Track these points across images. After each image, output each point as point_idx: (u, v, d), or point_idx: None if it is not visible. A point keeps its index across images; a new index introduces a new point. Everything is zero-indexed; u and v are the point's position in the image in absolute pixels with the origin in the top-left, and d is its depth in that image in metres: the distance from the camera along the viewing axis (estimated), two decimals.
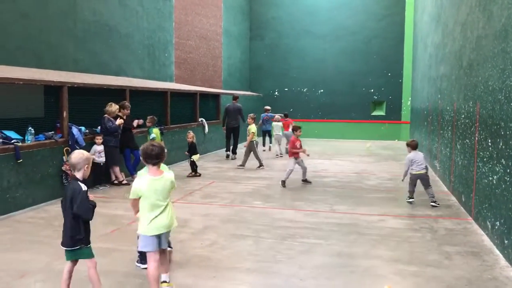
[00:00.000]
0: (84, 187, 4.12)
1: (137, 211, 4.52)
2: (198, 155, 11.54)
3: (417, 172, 8.53)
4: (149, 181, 4.32)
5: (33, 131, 8.13)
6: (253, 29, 23.82)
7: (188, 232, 6.61)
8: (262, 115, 17.33)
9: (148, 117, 11.24)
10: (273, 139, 16.93)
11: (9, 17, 8.60)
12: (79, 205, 4.06)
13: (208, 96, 16.88)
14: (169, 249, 5.00)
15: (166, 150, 4.60)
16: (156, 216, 4.34)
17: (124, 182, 10.11)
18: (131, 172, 10.45)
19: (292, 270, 5.14)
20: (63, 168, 8.61)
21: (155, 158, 4.31)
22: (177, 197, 8.96)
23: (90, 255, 4.28)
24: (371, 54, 22.11)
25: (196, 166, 11.45)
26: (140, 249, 4.63)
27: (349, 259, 5.54)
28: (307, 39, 22.89)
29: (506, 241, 5.50)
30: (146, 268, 4.58)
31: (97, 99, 9.87)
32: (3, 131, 7.68)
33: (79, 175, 4.21)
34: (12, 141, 7.63)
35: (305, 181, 10.63)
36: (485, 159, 6.63)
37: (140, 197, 4.35)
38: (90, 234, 4.28)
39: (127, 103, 10.31)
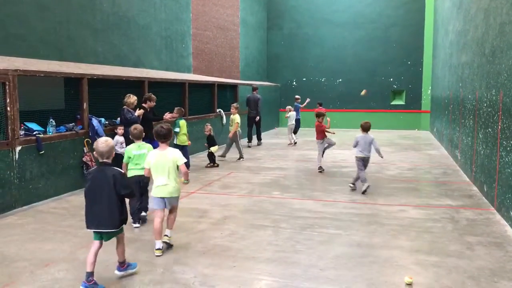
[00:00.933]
0: (120, 170, 4.69)
1: (147, 178, 5.88)
2: (217, 146, 11.58)
3: (360, 156, 8.65)
4: (156, 155, 5.48)
5: (54, 123, 8.25)
6: (270, 18, 23.66)
7: (207, 222, 6.66)
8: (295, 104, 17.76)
9: (176, 108, 11.13)
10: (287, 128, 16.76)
11: (29, 10, 8.71)
12: (126, 186, 4.54)
13: (226, 87, 16.88)
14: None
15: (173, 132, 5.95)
16: (160, 183, 5.41)
17: None
18: None
19: (311, 260, 5.13)
20: (84, 159, 8.73)
21: (163, 137, 5.48)
22: (196, 187, 9.02)
23: (122, 230, 4.72)
24: (391, 42, 21.80)
25: (214, 157, 11.49)
26: (149, 207, 6.30)
27: (369, 249, 5.51)
28: (326, 27, 22.66)
29: None
30: (138, 227, 6.41)
31: (116, 91, 9.94)
32: (25, 123, 7.80)
33: (109, 160, 4.57)
34: (34, 133, 7.76)
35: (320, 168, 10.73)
36: (508, 148, 6.50)
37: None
38: None
39: (153, 96, 10.23)
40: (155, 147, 9.04)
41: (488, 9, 8.30)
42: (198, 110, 14.19)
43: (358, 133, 8.89)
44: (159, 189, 5.45)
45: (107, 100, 9.79)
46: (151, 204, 5.88)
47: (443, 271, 4.81)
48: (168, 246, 5.52)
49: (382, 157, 8.82)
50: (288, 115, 16.53)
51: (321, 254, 5.33)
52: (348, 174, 10.38)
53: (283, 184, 9.38)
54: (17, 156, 7.30)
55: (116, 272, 4.72)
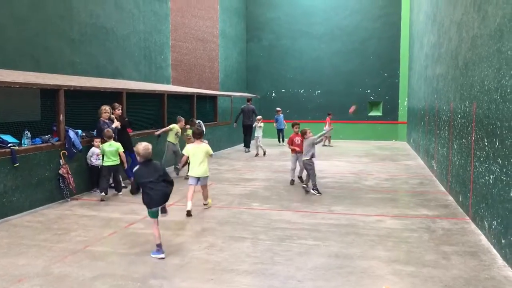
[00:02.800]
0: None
1: (183, 164, 8.63)
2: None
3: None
4: (194, 147, 7.92)
5: (29, 135, 8.11)
6: (249, 30, 23.81)
7: (186, 235, 6.61)
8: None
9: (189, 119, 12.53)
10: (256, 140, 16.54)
11: (6, 20, 8.59)
12: (168, 174, 6.02)
13: (205, 98, 16.89)
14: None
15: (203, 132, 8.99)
16: (195, 166, 7.86)
17: (122, 185, 10.07)
18: (128, 175, 10.39)
19: (290, 272, 5.14)
20: (60, 171, 8.59)
21: (199, 135, 8.04)
22: (175, 199, 8.95)
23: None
24: (368, 54, 22.15)
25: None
26: (188, 183, 8.05)
27: (347, 260, 5.54)
28: (304, 39, 22.92)
29: (503, 241, 5.51)
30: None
31: (94, 102, 9.85)
32: None
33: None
34: (9, 145, 7.62)
35: (300, 178, 10.76)
36: (481, 159, 6.65)
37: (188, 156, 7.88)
38: None
39: (115, 104, 10.20)
40: (133, 157, 9.10)
41: (461, 22, 8.53)
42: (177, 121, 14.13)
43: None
44: (195, 170, 7.86)
45: (84, 111, 9.69)
46: (189, 182, 8.01)
47: (419, 281, 4.87)
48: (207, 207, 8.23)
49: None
50: (260, 125, 16.45)
51: (300, 266, 5.33)
52: (327, 185, 10.45)
53: (262, 195, 9.39)
54: None
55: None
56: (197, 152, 7.85)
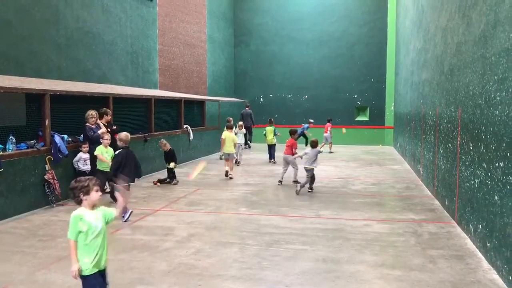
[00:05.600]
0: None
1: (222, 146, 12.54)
2: (174, 163, 11.38)
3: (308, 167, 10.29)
4: (227, 134, 12.40)
5: (14, 140, 8.02)
6: (237, 35, 23.86)
7: (173, 240, 6.57)
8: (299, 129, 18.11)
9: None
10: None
11: None
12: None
13: (193, 103, 16.86)
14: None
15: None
16: (228, 146, 12.40)
17: (108, 190, 9.98)
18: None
19: (277, 277, 5.13)
20: (46, 177, 8.50)
21: (230, 127, 12.92)
22: (162, 205, 8.91)
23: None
24: (354, 60, 22.32)
25: (174, 173, 11.35)
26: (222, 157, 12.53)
27: (334, 264, 5.55)
28: (292, 45, 23.04)
29: (488, 244, 5.57)
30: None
31: (81, 107, 9.77)
32: None
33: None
34: None
35: (295, 181, 11.03)
36: (467, 163, 6.72)
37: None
38: None
39: (108, 110, 10.10)
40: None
41: (446, 28, 8.64)
42: (165, 126, 14.11)
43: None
44: (227, 149, 12.34)
45: (70, 116, 9.61)
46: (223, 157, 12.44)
47: (406, 285, 4.90)
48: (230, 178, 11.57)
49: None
50: (236, 131, 15.93)
51: (287, 270, 5.33)
52: (315, 189, 10.47)
53: (250, 200, 9.38)
54: None
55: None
56: (228, 138, 12.36)
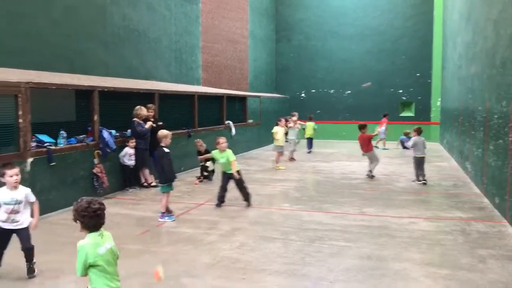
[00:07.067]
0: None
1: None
2: (211, 162, 11.08)
3: (418, 156, 10.63)
4: (279, 129, 13.47)
5: (65, 135, 8.32)
6: (279, 31, 23.81)
7: (217, 234, 6.64)
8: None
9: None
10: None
11: (43, 24, 8.84)
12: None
13: (235, 99, 16.97)
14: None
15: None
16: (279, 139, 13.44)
17: (153, 184, 10.23)
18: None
19: (321, 273, 5.10)
20: (94, 170, 8.78)
21: (277, 124, 14.06)
22: (205, 199, 9.03)
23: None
24: (399, 54, 21.82)
25: (207, 171, 11.16)
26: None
27: (379, 262, 5.46)
28: (334, 40, 22.77)
29: None
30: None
31: (127, 103, 10.03)
32: (37, 135, 7.88)
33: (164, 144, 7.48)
34: (45, 145, 7.83)
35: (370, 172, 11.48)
36: None
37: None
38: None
39: (148, 105, 10.33)
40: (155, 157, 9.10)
41: (498, 20, 8.29)
42: (207, 122, 14.26)
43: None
44: (276, 141, 13.29)
45: (117, 112, 9.87)
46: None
47: (454, 284, 4.76)
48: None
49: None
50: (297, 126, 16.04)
51: (331, 267, 5.29)
52: (358, 186, 10.34)
53: (292, 196, 9.36)
54: (28, 168, 7.36)
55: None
56: (278, 132, 13.42)
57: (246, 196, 8.40)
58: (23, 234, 5.01)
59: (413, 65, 21.60)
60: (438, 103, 21.18)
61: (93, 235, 3.27)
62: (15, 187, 4.83)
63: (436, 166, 13.63)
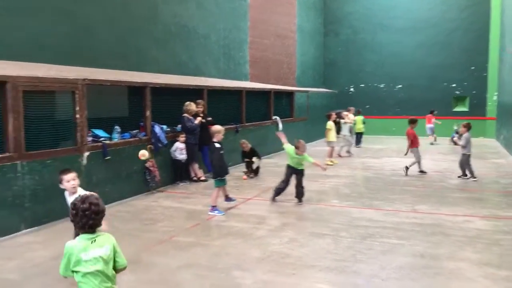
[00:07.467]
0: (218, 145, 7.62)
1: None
2: (256, 157, 11.21)
3: (467, 153, 10.33)
4: (331, 125, 13.41)
5: (119, 130, 8.58)
6: (327, 24, 23.52)
7: (266, 229, 6.67)
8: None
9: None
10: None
11: (98, 22, 9.14)
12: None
13: (282, 94, 16.92)
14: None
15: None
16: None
17: (202, 178, 10.39)
18: (209, 169, 10.69)
19: (373, 270, 5.01)
20: (147, 165, 9.01)
21: (328, 117, 13.79)
22: (254, 194, 9.08)
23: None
24: (453, 47, 21.03)
25: (252, 167, 11.18)
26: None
27: (433, 260, 5.31)
28: (384, 33, 22.24)
29: None
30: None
31: (177, 99, 10.21)
32: (92, 130, 8.17)
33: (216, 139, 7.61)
34: (101, 139, 8.11)
35: (422, 172, 11.23)
36: None
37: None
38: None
39: (197, 101, 10.47)
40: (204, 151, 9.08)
41: None
42: (255, 117, 14.30)
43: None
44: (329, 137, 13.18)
45: (168, 107, 10.07)
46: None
47: None
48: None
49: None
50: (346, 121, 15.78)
51: (383, 264, 5.19)
52: (409, 183, 10.09)
53: (342, 192, 9.25)
54: (85, 161, 7.65)
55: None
56: (331, 127, 13.34)
57: (302, 194, 8.33)
58: None
59: (468, 58, 20.77)
60: (495, 98, 20.28)
61: (82, 238, 2.95)
62: (74, 192, 4.79)
63: (493, 163, 13.08)
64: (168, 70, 11.31)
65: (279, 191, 8.42)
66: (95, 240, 2.97)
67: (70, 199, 4.72)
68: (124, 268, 3.14)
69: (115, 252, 3.05)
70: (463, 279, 4.77)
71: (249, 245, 5.90)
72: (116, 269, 3.07)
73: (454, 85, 21.15)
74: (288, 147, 8.56)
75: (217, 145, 7.59)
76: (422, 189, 9.46)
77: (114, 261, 3.05)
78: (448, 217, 7.24)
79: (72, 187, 4.78)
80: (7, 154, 6.35)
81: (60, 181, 4.80)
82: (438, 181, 10.37)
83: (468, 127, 10.57)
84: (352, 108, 17.36)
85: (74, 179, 4.79)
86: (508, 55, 16.09)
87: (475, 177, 10.33)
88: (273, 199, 8.41)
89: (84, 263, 2.88)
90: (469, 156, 10.37)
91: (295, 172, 8.37)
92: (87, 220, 2.91)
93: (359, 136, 17.50)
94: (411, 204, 8.17)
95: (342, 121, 15.08)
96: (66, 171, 4.84)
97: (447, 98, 21.16)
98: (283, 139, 8.78)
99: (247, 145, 11.32)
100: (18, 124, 6.45)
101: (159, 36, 11.02)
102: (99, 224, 3.02)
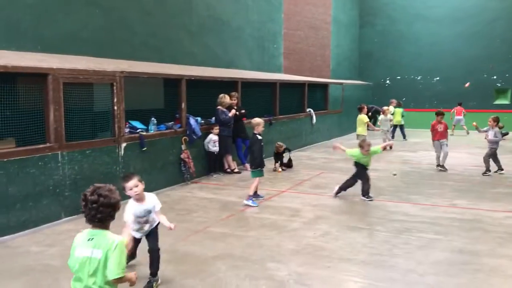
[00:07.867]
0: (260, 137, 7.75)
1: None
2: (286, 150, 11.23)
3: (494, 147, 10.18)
4: (361, 117, 13.12)
5: (155, 121, 8.71)
6: (362, 15, 23.13)
7: (300, 221, 6.65)
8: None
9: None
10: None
11: (133, 15, 9.27)
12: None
13: (316, 86, 16.78)
14: None
15: None
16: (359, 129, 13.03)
17: (236, 170, 10.45)
18: (242, 161, 10.77)
19: (410, 265, 4.93)
20: (182, 156, 9.12)
21: (360, 110, 13.41)
22: (287, 186, 9.06)
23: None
24: (493, 38, 20.30)
25: (282, 162, 11.10)
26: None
27: (472, 256, 5.17)
28: (421, 23, 21.68)
29: None
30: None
31: (211, 91, 10.28)
32: (130, 121, 8.33)
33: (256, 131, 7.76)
34: (138, 131, 8.26)
35: (441, 166, 10.77)
36: None
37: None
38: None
39: (231, 93, 10.49)
40: (246, 144, 9.18)
41: None
42: (289, 110, 14.24)
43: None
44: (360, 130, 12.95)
45: (202, 100, 10.15)
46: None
47: None
48: None
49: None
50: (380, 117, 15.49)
51: (420, 259, 5.09)
52: (447, 177, 9.85)
53: (377, 186, 9.09)
54: (122, 152, 7.81)
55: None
56: (359, 120, 13.09)
57: (368, 189, 8.12)
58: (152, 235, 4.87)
59: (510, 49, 20.02)
60: None
61: (86, 232, 2.80)
62: (139, 199, 4.47)
63: None
64: (202, 62, 11.39)
65: (345, 187, 8.27)
66: (92, 239, 2.74)
67: (137, 208, 4.48)
68: (120, 279, 2.74)
69: (106, 258, 2.69)
70: (504, 276, 4.63)
71: (283, 237, 5.90)
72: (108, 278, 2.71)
73: (494, 77, 20.45)
74: (352, 152, 8.34)
75: (259, 137, 7.73)
76: (461, 184, 9.22)
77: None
78: (488, 212, 7.04)
79: (136, 195, 4.38)
80: (48, 145, 6.55)
81: (123, 189, 4.34)
82: (477, 175, 10.08)
83: (497, 120, 10.36)
84: (394, 101, 17.16)
85: (136, 186, 4.34)
86: None
87: (502, 170, 10.26)
88: (336, 195, 8.25)
89: (75, 260, 2.73)
90: (495, 150, 10.23)
91: (365, 169, 8.24)
92: (96, 212, 2.71)
93: (397, 128, 17.00)
94: (450, 199, 7.98)
95: (381, 116, 14.95)
96: (127, 177, 4.40)
97: (487, 90, 20.48)
98: (341, 148, 8.54)
99: (281, 146, 11.26)
100: (59, 115, 6.62)
101: (194, 29, 11.09)
102: (110, 219, 2.80)
